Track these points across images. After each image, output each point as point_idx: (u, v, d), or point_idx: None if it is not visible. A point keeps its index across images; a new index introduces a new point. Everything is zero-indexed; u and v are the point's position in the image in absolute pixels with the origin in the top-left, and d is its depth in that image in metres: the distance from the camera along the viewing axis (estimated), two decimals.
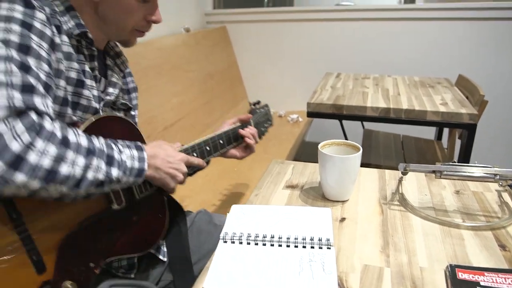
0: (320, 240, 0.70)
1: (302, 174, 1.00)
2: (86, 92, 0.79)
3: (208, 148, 0.97)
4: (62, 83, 0.74)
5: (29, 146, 0.58)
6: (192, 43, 2.32)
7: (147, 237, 0.87)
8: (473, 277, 0.60)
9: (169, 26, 2.32)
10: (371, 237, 0.73)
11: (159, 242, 0.93)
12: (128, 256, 0.84)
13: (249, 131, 1.07)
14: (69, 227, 0.72)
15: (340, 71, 2.42)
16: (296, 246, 0.70)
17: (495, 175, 0.78)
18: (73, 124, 0.78)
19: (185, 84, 2.11)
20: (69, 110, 0.76)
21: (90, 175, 0.66)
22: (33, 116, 0.61)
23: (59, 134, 0.63)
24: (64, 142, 0.63)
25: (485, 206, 0.83)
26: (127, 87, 0.99)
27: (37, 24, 0.67)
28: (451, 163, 0.80)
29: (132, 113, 0.98)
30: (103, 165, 0.68)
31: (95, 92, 0.83)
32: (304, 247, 0.69)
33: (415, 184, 0.94)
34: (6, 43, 0.62)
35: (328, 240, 0.70)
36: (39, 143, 0.60)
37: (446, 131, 2.31)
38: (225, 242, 0.72)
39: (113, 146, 0.72)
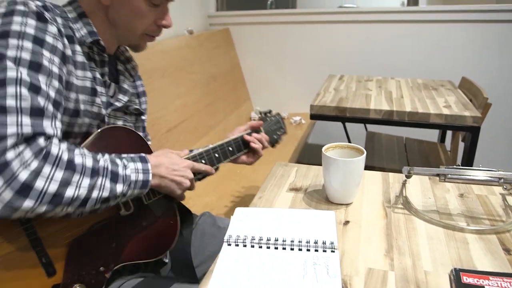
0: (324, 243, 0.70)
1: (306, 177, 1.00)
2: (97, 100, 0.80)
3: (217, 155, 0.98)
4: (73, 95, 0.75)
5: (37, 173, 0.60)
6: (195, 45, 2.32)
7: (160, 243, 0.87)
8: (477, 281, 0.60)
9: (172, 28, 2.32)
10: (375, 240, 0.73)
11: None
12: (141, 262, 0.84)
13: (255, 136, 1.07)
14: (78, 231, 0.73)
15: (343, 73, 2.42)
16: (300, 249, 0.70)
17: (500, 178, 0.78)
18: (82, 134, 0.80)
19: (188, 86, 2.11)
20: (79, 120, 0.78)
21: (95, 194, 0.67)
22: (41, 141, 0.62)
23: (65, 158, 0.64)
24: (70, 166, 0.64)
25: (489, 209, 0.83)
26: (137, 91, 0.99)
27: (49, 39, 0.69)
28: (455, 167, 0.80)
29: (143, 117, 0.98)
30: (108, 183, 0.69)
31: (104, 98, 0.84)
32: (308, 250, 0.69)
33: (419, 187, 0.94)
34: (18, 61, 0.64)
35: (332, 243, 0.70)
36: (47, 169, 0.61)
37: (449, 133, 2.31)
38: (229, 245, 0.72)
39: (118, 161, 0.73)
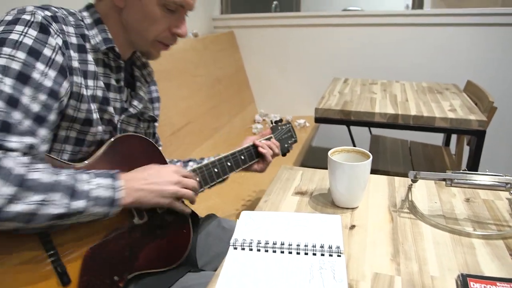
0: (330, 247, 0.70)
1: (311, 181, 1.00)
2: (110, 109, 0.81)
3: (229, 163, 0.98)
4: (84, 105, 0.75)
5: None
6: (200, 48, 2.33)
7: (173, 252, 0.88)
8: (485, 287, 0.59)
9: None
10: (381, 245, 0.73)
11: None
12: (153, 271, 0.85)
13: (265, 143, 1.07)
14: (93, 241, 0.74)
15: (347, 77, 2.42)
16: (306, 253, 0.70)
17: (507, 183, 0.77)
18: (97, 142, 0.81)
19: (193, 88, 2.12)
20: (92, 129, 0.78)
21: (46, 210, 0.63)
22: None
23: (17, 172, 0.61)
24: (19, 181, 0.60)
25: (496, 214, 0.83)
26: (151, 96, 0.99)
27: (47, 51, 0.68)
28: (462, 171, 0.80)
29: (155, 124, 0.98)
30: (64, 199, 0.64)
31: (118, 104, 0.84)
32: (314, 254, 0.69)
33: (425, 191, 0.93)
34: (5, 71, 0.63)
35: (338, 247, 0.70)
36: None
37: (454, 137, 2.30)
38: (235, 248, 0.72)
39: (81, 177, 0.69)
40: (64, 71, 0.70)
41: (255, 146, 1.07)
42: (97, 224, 0.73)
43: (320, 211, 0.85)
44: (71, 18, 0.76)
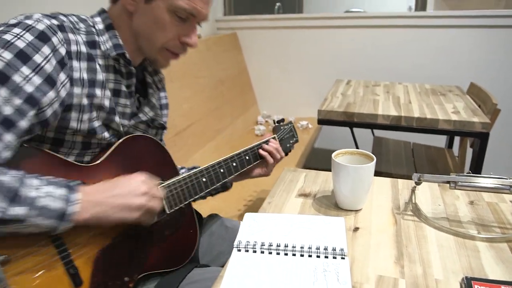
0: (334, 249, 0.70)
1: (315, 183, 1.00)
2: (116, 118, 0.80)
3: (234, 164, 0.97)
4: (86, 116, 0.74)
5: None
6: (203, 49, 2.33)
7: (181, 252, 0.88)
8: None
9: None
10: (385, 247, 0.73)
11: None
12: (163, 272, 0.85)
13: (264, 147, 1.05)
14: (104, 242, 0.74)
15: (349, 78, 2.42)
16: (310, 256, 0.70)
17: (511, 186, 0.77)
18: (103, 145, 0.80)
19: (195, 90, 2.12)
20: (98, 136, 0.78)
21: None
22: None
23: None
24: None
25: (500, 217, 0.83)
26: (160, 102, 0.98)
27: (38, 58, 0.65)
28: (466, 174, 0.80)
29: (164, 131, 0.98)
30: (2, 202, 0.58)
31: (128, 110, 0.83)
32: (318, 256, 0.69)
33: (428, 194, 0.93)
34: None
35: (342, 249, 0.70)
36: None
37: (457, 139, 2.30)
38: (239, 250, 0.72)
39: (30, 181, 0.62)
40: (53, 81, 0.66)
41: (258, 145, 1.06)
42: (108, 226, 0.73)
43: (323, 213, 0.85)
44: (81, 25, 0.76)
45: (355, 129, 2.32)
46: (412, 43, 2.52)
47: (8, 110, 0.62)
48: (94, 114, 0.76)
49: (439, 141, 2.41)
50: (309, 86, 2.83)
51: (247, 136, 2.52)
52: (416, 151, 2.22)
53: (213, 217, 1.10)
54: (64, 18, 0.73)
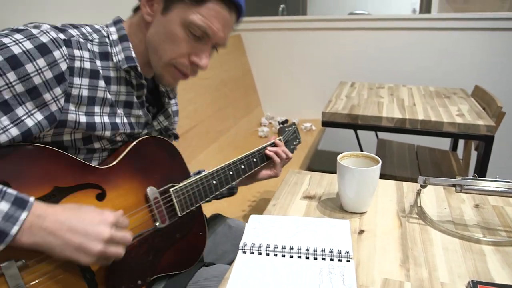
0: (339, 252, 0.70)
1: (319, 185, 1.00)
2: (118, 138, 0.79)
3: (243, 166, 0.98)
4: (79, 135, 0.72)
5: None
6: None
7: (190, 254, 0.88)
8: None
9: None
10: (391, 250, 0.73)
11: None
12: (172, 273, 0.85)
13: (272, 149, 1.06)
14: None
15: (353, 80, 2.42)
16: (315, 258, 0.70)
17: None
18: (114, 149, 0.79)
19: (199, 91, 2.12)
20: (100, 142, 0.77)
21: None
22: None
23: None
24: None
25: (505, 221, 0.82)
26: (171, 109, 0.96)
27: (29, 68, 0.62)
28: (471, 177, 0.79)
29: (176, 140, 0.98)
30: None
31: (142, 120, 0.83)
32: (323, 259, 0.69)
33: (434, 197, 0.93)
34: None
35: (347, 252, 0.70)
36: None
37: (461, 141, 2.29)
38: (244, 252, 0.72)
39: None
40: (37, 93, 0.63)
41: (265, 147, 1.06)
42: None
43: (328, 216, 0.85)
44: (95, 35, 0.74)
45: (359, 132, 2.33)
46: (416, 46, 2.51)
47: None
48: (90, 131, 0.73)
49: (444, 143, 2.40)
50: (313, 88, 2.83)
51: (250, 138, 2.52)
52: (420, 154, 2.21)
53: (216, 217, 1.11)
54: (74, 32, 0.71)
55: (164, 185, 0.82)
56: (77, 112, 0.70)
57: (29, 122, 0.64)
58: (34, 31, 0.64)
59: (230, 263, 0.94)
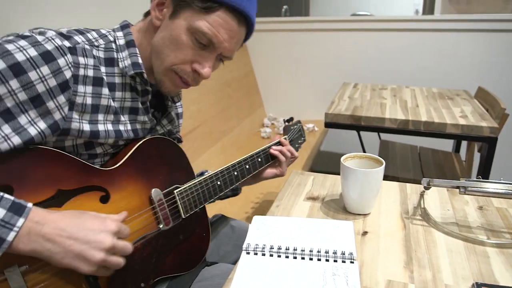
0: (343, 253, 0.70)
1: (323, 186, 1.00)
2: (120, 142, 0.79)
3: (247, 166, 0.98)
4: (81, 140, 0.72)
5: None
6: None
7: (194, 255, 0.88)
8: None
9: None
10: (394, 252, 0.73)
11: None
12: (175, 275, 0.85)
13: (276, 148, 1.06)
14: None
15: (356, 81, 2.42)
16: (319, 259, 0.70)
17: None
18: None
19: (202, 91, 2.13)
20: (99, 151, 0.76)
21: None
22: None
23: None
24: None
25: (509, 222, 0.82)
26: (176, 111, 0.97)
27: (32, 75, 0.61)
28: (476, 179, 0.79)
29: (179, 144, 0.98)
30: None
31: (148, 126, 0.83)
32: (327, 260, 0.69)
33: (437, 198, 0.93)
34: None
35: (351, 254, 0.70)
36: None
37: (464, 143, 2.29)
38: (248, 253, 0.72)
39: None
40: (41, 102, 0.63)
41: (270, 147, 1.06)
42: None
43: (332, 217, 0.85)
44: (101, 41, 0.74)
45: (362, 133, 2.33)
46: (418, 47, 2.51)
47: None
48: (108, 140, 0.74)
49: (446, 145, 2.40)
50: (315, 88, 2.83)
51: (253, 138, 2.52)
52: (422, 155, 2.21)
53: (218, 217, 1.11)
54: (79, 39, 0.70)
55: (168, 186, 0.81)
56: (80, 121, 0.69)
57: (32, 131, 0.63)
58: (39, 38, 0.63)
59: (233, 263, 0.95)
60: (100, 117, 0.72)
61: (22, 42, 0.61)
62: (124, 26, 0.78)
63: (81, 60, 0.68)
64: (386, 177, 0.85)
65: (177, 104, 0.96)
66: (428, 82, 2.48)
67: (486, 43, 2.38)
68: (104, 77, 0.72)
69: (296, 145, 1.17)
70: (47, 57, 0.62)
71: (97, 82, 0.71)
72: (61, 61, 0.64)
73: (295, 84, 2.88)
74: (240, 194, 1.12)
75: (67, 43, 0.66)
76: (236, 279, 0.66)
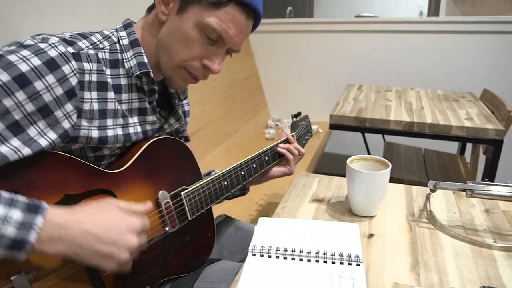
0: (349, 256, 0.70)
1: (328, 188, 1.00)
2: (127, 144, 0.78)
3: (254, 165, 0.97)
4: (92, 143, 0.71)
5: None
6: None
7: (199, 256, 0.89)
8: None
9: None
10: (400, 254, 0.73)
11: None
12: (181, 276, 0.85)
13: (283, 146, 1.05)
14: None
15: (360, 83, 2.42)
16: (325, 262, 0.70)
17: None
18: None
19: (206, 93, 2.13)
20: (107, 153, 0.76)
21: None
22: None
23: None
24: None
25: None
26: (183, 109, 0.97)
27: (38, 85, 0.60)
28: (482, 182, 0.79)
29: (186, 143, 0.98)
30: None
31: (157, 126, 0.82)
32: (333, 262, 0.69)
33: (443, 201, 0.93)
34: None
35: (357, 256, 0.70)
36: None
37: (469, 145, 2.28)
38: (254, 255, 0.72)
39: None
40: (49, 111, 0.62)
41: (277, 145, 1.06)
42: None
43: (337, 219, 0.85)
44: (105, 43, 0.73)
45: (366, 135, 2.32)
46: (423, 48, 2.51)
47: None
48: (116, 145, 0.74)
49: (451, 147, 2.39)
50: (319, 90, 2.83)
51: (257, 139, 2.52)
52: (427, 157, 2.20)
53: (222, 217, 1.11)
54: (83, 44, 0.69)
55: (175, 187, 0.81)
56: (89, 128, 0.68)
57: (43, 142, 0.62)
58: (42, 45, 0.62)
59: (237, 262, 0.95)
60: (109, 122, 0.72)
61: (25, 52, 0.60)
62: (127, 25, 0.77)
63: (86, 66, 0.67)
64: (390, 179, 0.85)
65: (184, 102, 0.95)
66: (433, 84, 2.47)
67: (490, 45, 2.37)
68: (109, 80, 0.71)
69: (303, 142, 1.16)
70: (51, 65, 0.61)
71: (101, 86, 0.70)
72: (66, 68, 0.63)
73: (300, 86, 2.88)
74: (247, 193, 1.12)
75: (70, 49, 0.65)
76: (242, 281, 0.66)
